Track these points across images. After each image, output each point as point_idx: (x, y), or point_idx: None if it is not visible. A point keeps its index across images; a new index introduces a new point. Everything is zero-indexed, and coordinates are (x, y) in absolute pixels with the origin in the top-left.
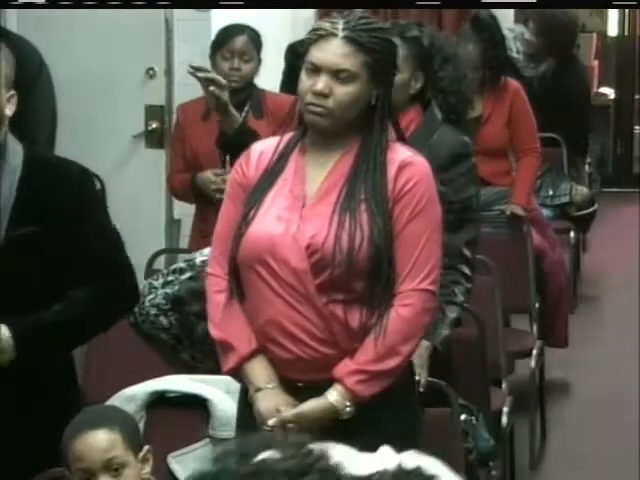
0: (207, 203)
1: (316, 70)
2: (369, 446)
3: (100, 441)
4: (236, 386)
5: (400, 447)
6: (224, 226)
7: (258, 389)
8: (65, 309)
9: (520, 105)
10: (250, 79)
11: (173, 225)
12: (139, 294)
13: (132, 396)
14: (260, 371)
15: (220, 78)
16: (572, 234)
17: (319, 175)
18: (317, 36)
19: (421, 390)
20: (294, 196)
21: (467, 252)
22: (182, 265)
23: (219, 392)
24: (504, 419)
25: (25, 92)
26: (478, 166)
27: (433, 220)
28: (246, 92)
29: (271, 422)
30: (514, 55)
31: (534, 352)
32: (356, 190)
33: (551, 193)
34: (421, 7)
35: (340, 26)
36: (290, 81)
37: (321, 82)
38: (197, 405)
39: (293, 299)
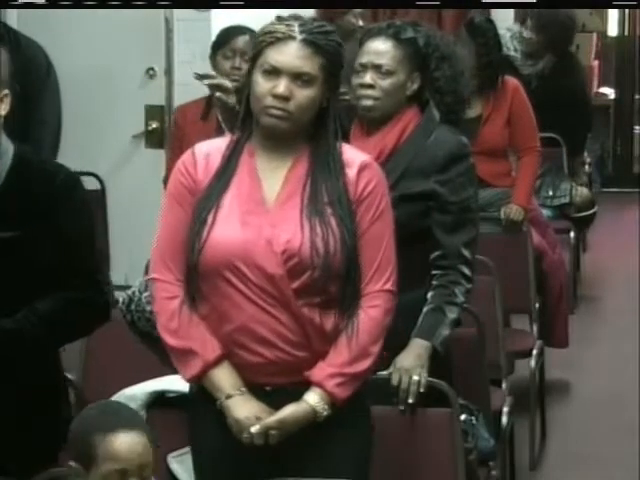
0: None
1: (275, 73)
2: (338, 442)
3: (139, 444)
4: None
5: (363, 440)
6: (172, 230)
7: (228, 396)
8: (26, 317)
9: (520, 103)
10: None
11: None
12: (109, 310)
13: (132, 396)
14: (227, 377)
15: (226, 82)
16: (572, 234)
17: (275, 179)
18: (274, 39)
19: (421, 390)
20: (254, 200)
21: (466, 253)
22: None
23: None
24: (504, 419)
25: (33, 94)
26: (478, 166)
27: (390, 221)
28: (246, 92)
29: (254, 430)
30: (512, 54)
31: (534, 352)
32: (318, 193)
33: (551, 193)
34: (421, 7)
35: (297, 29)
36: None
37: (282, 85)
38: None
39: (266, 304)
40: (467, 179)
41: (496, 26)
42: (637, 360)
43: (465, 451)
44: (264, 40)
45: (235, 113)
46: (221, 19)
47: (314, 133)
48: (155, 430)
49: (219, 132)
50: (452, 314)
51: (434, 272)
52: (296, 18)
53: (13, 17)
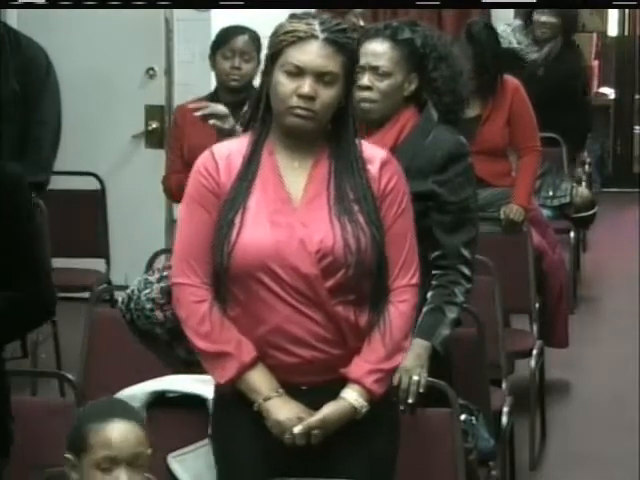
0: None
1: (299, 72)
2: (370, 440)
3: (132, 433)
4: None
5: (393, 437)
6: (196, 233)
7: (267, 398)
8: None
9: (520, 103)
10: (250, 79)
11: (173, 225)
12: (48, 315)
13: (132, 396)
14: (264, 379)
15: (219, 108)
16: (572, 234)
17: (298, 178)
18: (295, 38)
19: (421, 390)
20: (281, 199)
21: (466, 252)
22: None
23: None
24: (504, 419)
25: (33, 94)
26: (478, 166)
27: (412, 217)
28: (245, 92)
29: (297, 430)
30: (515, 46)
31: (534, 352)
32: (343, 191)
33: (551, 194)
34: (421, 7)
35: (317, 27)
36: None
37: (307, 85)
38: (197, 405)
39: (300, 304)
40: (465, 179)
41: (496, 32)
42: (637, 360)
43: (465, 451)
44: (285, 39)
45: (235, 135)
46: (221, 19)
47: (333, 131)
48: (155, 430)
49: (219, 132)
50: (452, 314)
51: (434, 272)
52: (314, 16)
53: (13, 17)
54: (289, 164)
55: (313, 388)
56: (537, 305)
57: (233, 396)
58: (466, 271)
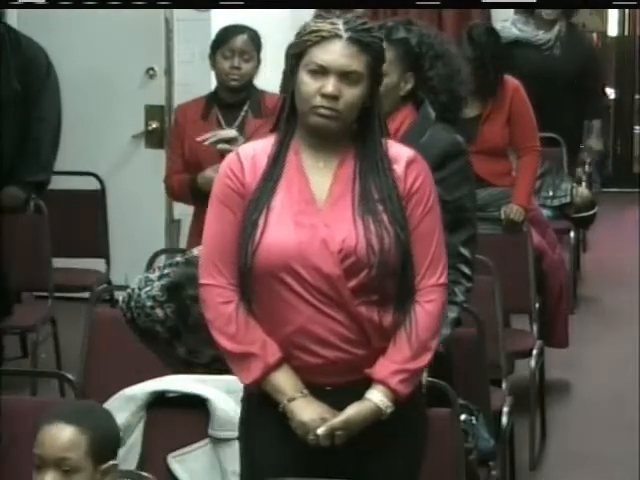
0: (206, 204)
1: (322, 72)
2: (396, 440)
3: (62, 437)
4: (237, 386)
5: (422, 447)
6: (222, 234)
7: (291, 399)
8: None
9: (520, 103)
10: (250, 79)
11: (173, 225)
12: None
13: (132, 396)
14: (288, 380)
15: (226, 133)
16: (572, 234)
17: (323, 178)
18: (319, 37)
19: (422, 391)
20: (305, 200)
21: (465, 251)
22: (179, 259)
23: (219, 392)
24: (504, 419)
25: (33, 94)
26: (478, 166)
27: (439, 216)
28: (245, 92)
29: (320, 431)
30: (519, 35)
31: (534, 352)
32: (368, 191)
33: (551, 194)
34: (421, 7)
35: (342, 27)
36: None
37: (331, 84)
38: (197, 405)
39: (323, 304)
40: (462, 177)
41: (497, 34)
42: (637, 360)
43: (465, 451)
44: (309, 39)
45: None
46: (221, 19)
47: (359, 131)
48: (155, 430)
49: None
50: (452, 313)
51: None
52: (338, 16)
53: (13, 17)
54: (314, 164)
55: (338, 389)
56: (537, 305)
57: (260, 397)
58: (466, 270)
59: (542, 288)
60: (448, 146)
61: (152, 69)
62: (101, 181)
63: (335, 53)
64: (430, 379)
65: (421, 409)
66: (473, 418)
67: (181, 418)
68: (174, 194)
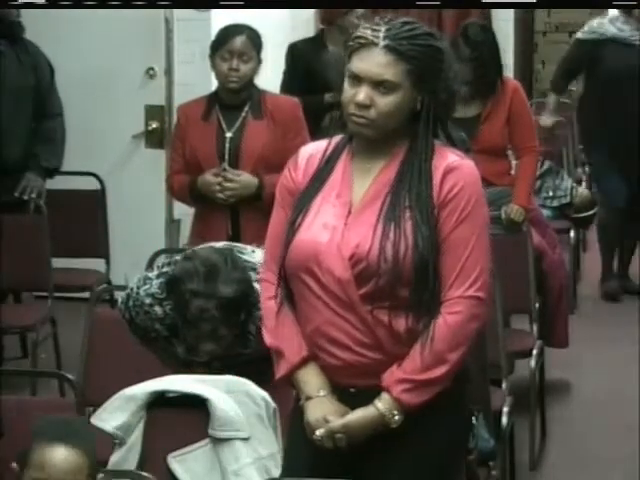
0: (206, 205)
1: (357, 80)
2: (417, 452)
3: (68, 462)
4: (237, 387)
5: (448, 454)
6: (274, 232)
7: (308, 397)
8: None
9: (519, 104)
10: (249, 79)
11: (173, 225)
12: None
13: (132, 396)
14: (311, 379)
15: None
16: (572, 234)
17: (365, 182)
18: (359, 45)
19: None
20: (341, 202)
21: None
22: (178, 257)
23: (219, 392)
24: (504, 419)
25: (44, 92)
26: (477, 166)
27: (479, 225)
28: (246, 92)
29: (319, 432)
30: (616, 33)
31: (534, 352)
32: (401, 198)
33: (551, 194)
34: (421, 7)
35: (381, 34)
36: (291, 81)
37: (362, 93)
38: (197, 405)
39: (338, 307)
40: None
41: (493, 33)
42: (637, 360)
43: (465, 451)
44: (352, 45)
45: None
46: (221, 19)
47: (411, 135)
48: (155, 430)
49: (219, 132)
50: None
51: None
52: (387, 22)
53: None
54: (362, 167)
55: (361, 391)
56: (537, 305)
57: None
58: None
59: (542, 288)
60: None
61: (152, 69)
62: (101, 181)
63: (369, 61)
64: None
65: (446, 419)
66: (473, 418)
67: (181, 418)
68: (174, 194)
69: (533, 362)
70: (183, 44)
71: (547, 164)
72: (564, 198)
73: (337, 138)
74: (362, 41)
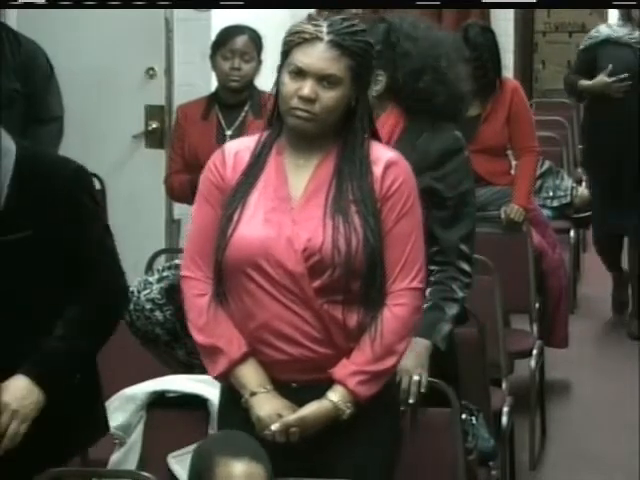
0: None
1: (301, 74)
2: (366, 442)
3: (258, 476)
4: None
5: (391, 440)
6: (202, 228)
7: (253, 393)
8: (67, 332)
9: (519, 104)
10: (250, 79)
11: (173, 225)
12: (129, 298)
13: (132, 396)
14: (253, 374)
15: None
16: (572, 234)
17: (301, 177)
18: (301, 39)
19: (422, 390)
20: (279, 198)
21: (464, 247)
22: (177, 262)
23: (219, 392)
24: (504, 419)
25: (38, 94)
26: (478, 165)
27: (418, 219)
28: (246, 92)
29: (274, 427)
30: (610, 33)
31: (534, 352)
32: (343, 192)
33: (551, 194)
34: (421, 7)
35: (324, 29)
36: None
37: (307, 87)
38: (197, 405)
39: (289, 301)
40: (463, 174)
41: (494, 33)
42: (637, 360)
43: (465, 451)
44: (292, 40)
45: None
46: (221, 19)
47: (343, 131)
48: (155, 430)
49: (219, 132)
50: (451, 310)
51: (431, 268)
52: (326, 17)
53: (13, 17)
54: (296, 163)
55: (303, 386)
56: (537, 305)
57: (234, 390)
58: (464, 266)
59: (542, 288)
60: (448, 143)
61: (152, 69)
62: (101, 181)
63: (314, 56)
64: (430, 379)
65: (391, 410)
66: (473, 418)
67: (181, 418)
68: (174, 194)
69: (533, 362)
70: (183, 44)
71: (547, 164)
72: (564, 198)
73: (262, 135)
74: (305, 36)
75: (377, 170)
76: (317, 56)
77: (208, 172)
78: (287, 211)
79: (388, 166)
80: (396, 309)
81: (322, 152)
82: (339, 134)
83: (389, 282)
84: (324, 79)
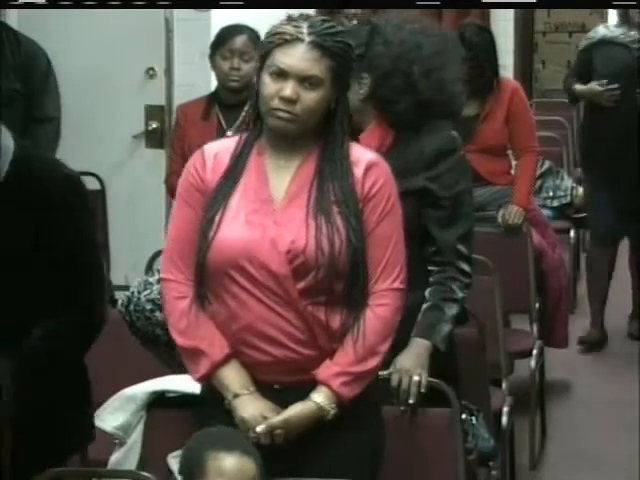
0: None
1: (282, 75)
2: (350, 442)
3: (247, 468)
4: None
5: (375, 440)
6: (182, 230)
7: (236, 395)
8: (45, 334)
9: (518, 104)
10: (250, 79)
11: None
12: (106, 310)
13: (132, 396)
14: (235, 376)
15: None
16: (572, 234)
17: (282, 178)
18: (282, 40)
19: (422, 390)
20: (261, 200)
21: (462, 247)
22: None
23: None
24: (504, 419)
25: (36, 93)
26: (477, 165)
27: (398, 220)
28: (246, 92)
29: (259, 429)
30: (605, 33)
31: (534, 352)
32: (325, 192)
33: (551, 194)
34: (421, 7)
35: (305, 30)
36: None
37: (289, 88)
38: (197, 405)
39: (273, 302)
40: (458, 173)
41: (491, 33)
42: (637, 360)
43: (465, 451)
44: (273, 41)
45: None
46: (221, 19)
47: (323, 133)
48: (155, 430)
49: (219, 132)
50: (451, 310)
51: (430, 268)
52: (305, 19)
53: (13, 17)
54: (276, 164)
55: (286, 388)
56: (537, 305)
57: (212, 393)
58: (463, 266)
59: (542, 288)
60: (442, 143)
61: (152, 69)
62: (101, 181)
63: (295, 57)
64: (430, 379)
65: (374, 411)
66: (473, 418)
67: (181, 418)
68: (174, 194)
69: (533, 362)
70: (183, 44)
71: (547, 164)
72: (564, 198)
73: (242, 136)
74: (286, 37)
75: (358, 171)
76: (299, 57)
77: (188, 174)
78: (269, 213)
79: (369, 167)
80: (378, 309)
81: (303, 153)
82: (319, 135)
83: (371, 283)
84: (305, 80)
